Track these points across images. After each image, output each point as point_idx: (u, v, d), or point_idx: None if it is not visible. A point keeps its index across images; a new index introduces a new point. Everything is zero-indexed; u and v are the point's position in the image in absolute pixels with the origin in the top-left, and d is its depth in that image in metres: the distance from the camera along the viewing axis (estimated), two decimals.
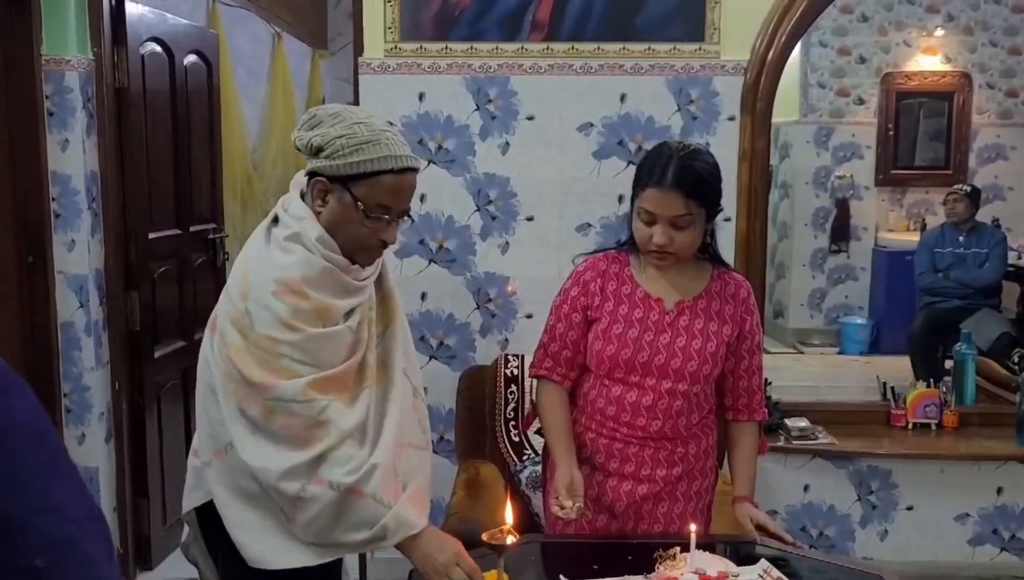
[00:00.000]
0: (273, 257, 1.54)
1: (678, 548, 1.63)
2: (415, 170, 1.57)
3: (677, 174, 1.71)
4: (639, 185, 1.77)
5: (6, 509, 0.72)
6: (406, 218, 1.64)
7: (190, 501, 1.67)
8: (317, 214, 1.56)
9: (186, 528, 1.73)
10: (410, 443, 1.69)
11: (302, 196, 1.60)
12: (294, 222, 1.56)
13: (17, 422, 0.74)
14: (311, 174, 1.56)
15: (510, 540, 1.56)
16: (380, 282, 1.71)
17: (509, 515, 1.60)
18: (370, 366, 1.62)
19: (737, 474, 1.96)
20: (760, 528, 1.88)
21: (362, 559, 3.10)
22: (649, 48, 2.89)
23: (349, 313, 1.58)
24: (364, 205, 1.53)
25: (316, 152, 1.53)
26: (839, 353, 5.76)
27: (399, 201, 1.57)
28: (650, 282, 1.86)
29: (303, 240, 1.53)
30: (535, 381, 1.99)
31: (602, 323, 1.86)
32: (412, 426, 1.72)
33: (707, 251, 1.88)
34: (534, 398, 2.01)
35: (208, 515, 1.63)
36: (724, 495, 2.04)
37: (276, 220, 1.59)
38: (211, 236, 3.65)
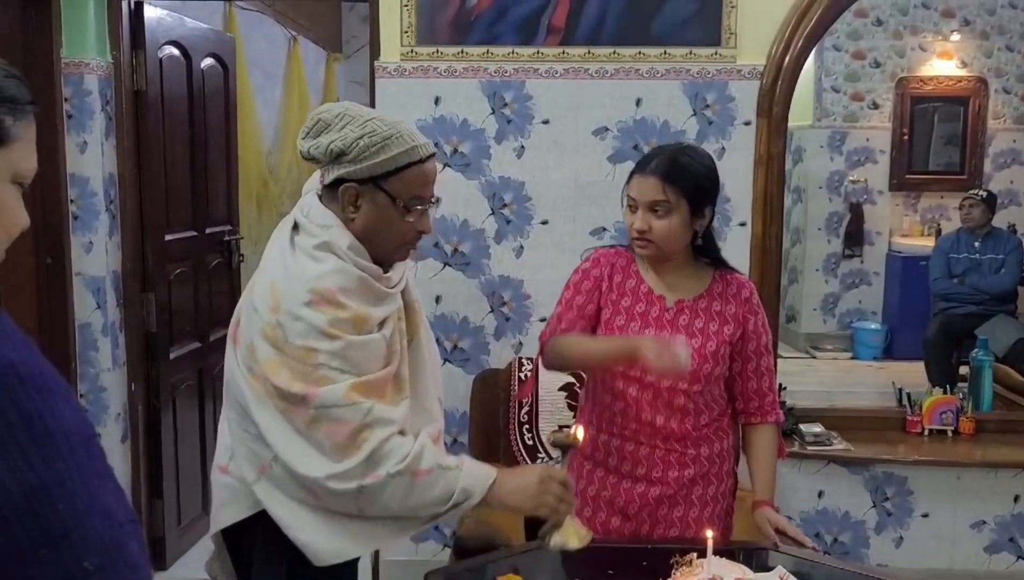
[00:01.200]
0: (303, 267, 1.50)
1: (695, 554, 1.63)
2: (435, 155, 1.58)
3: (659, 163, 1.78)
4: (629, 176, 1.84)
5: (60, 511, 0.72)
6: (435, 202, 1.61)
7: (223, 518, 1.61)
8: (350, 221, 1.53)
9: (212, 546, 1.69)
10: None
11: (320, 200, 1.57)
12: (321, 230, 1.52)
13: (67, 424, 0.74)
14: (337, 181, 1.53)
15: (580, 433, 1.60)
16: (404, 293, 1.69)
17: (580, 432, 1.65)
18: (404, 378, 1.59)
19: (756, 478, 1.95)
20: (780, 532, 1.88)
21: (375, 563, 3.11)
22: (665, 52, 2.89)
23: (382, 323, 1.56)
24: (402, 201, 1.52)
25: (337, 157, 1.51)
26: (852, 358, 5.73)
27: (430, 189, 1.57)
28: (653, 279, 1.88)
29: (334, 249, 1.51)
30: (546, 345, 1.92)
31: (606, 313, 1.88)
32: (439, 441, 1.70)
33: (706, 253, 1.89)
34: (544, 360, 1.95)
35: (233, 533, 1.61)
36: (743, 500, 2.03)
37: (296, 227, 1.56)
38: (227, 238, 3.67)
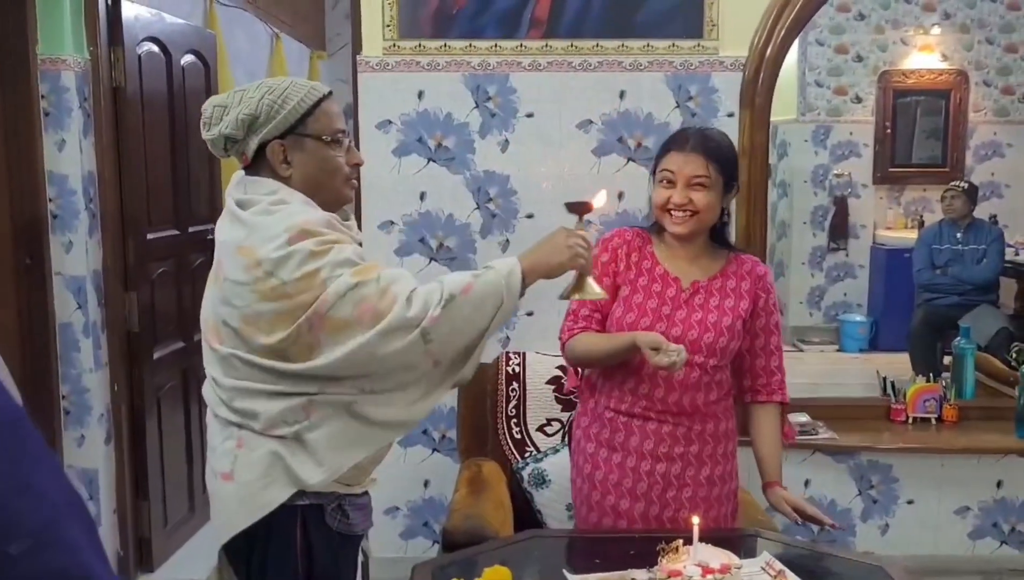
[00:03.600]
0: (264, 221, 1.53)
1: (680, 541, 1.63)
2: (332, 92, 1.65)
3: (699, 140, 1.85)
4: (662, 153, 1.88)
5: None
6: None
7: (235, 524, 1.58)
8: (287, 178, 1.59)
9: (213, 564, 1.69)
10: None
11: (246, 187, 1.60)
12: (268, 196, 1.56)
13: None
14: (260, 149, 1.57)
15: (597, 201, 1.67)
16: None
17: (601, 197, 1.70)
18: None
19: (763, 460, 1.97)
20: (798, 511, 1.89)
21: (364, 561, 3.09)
22: (648, 45, 2.89)
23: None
24: (327, 136, 1.59)
25: (250, 125, 1.55)
26: (839, 350, 5.77)
27: (343, 121, 1.65)
28: (669, 262, 1.92)
29: (288, 201, 1.55)
30: (566, 346, 1.97)
31: (624, 291, 1.91)
32: None
33: (721, 236, 1.95)
34: (567, 361, 2.03)
35: (238, 547, 1.60)
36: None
37: (241, 206, 1.57)
38: (210, 236, 3.61)
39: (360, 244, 1.71)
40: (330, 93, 1.63)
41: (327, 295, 1.48)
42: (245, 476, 1.56)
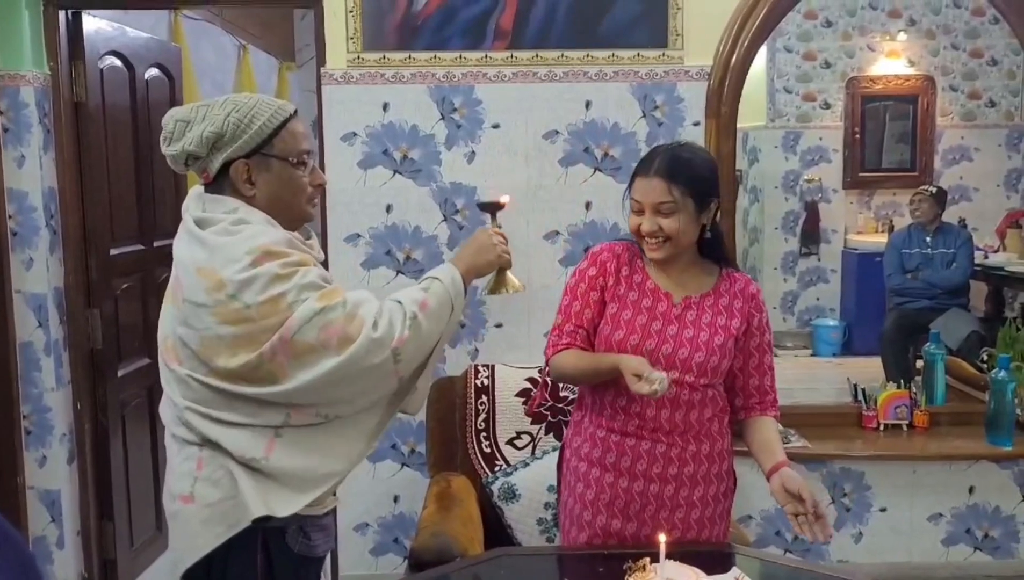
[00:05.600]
0: (225, 241, 1.49)
1: (648, 559, 1.61)
2: (296, 111, 1.63)
3: (662, 164, 1.79)
4: (631, 178, 1.85)
5: None
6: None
7: (200, 546, 1.53)
8: (251, 198, 1.56)
9: None
10: None
11: (205, 204, 1.57)
12: (228, 215, 1.53)
13: None
14: (224, 168, 1.54)
15: (504, 198, 1.88)
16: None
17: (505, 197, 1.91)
18: None
19: (761, 452, 1.85)
20: (796, 498, 1.70)
21: (333, 578, 3.05)
22: (613, 55, 2.89)
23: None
24: (292, 157, 1.58)
25: (214, 143, 1.52)
26: (812, 355, 5.79)
27: (308, 142, 1.64)
28: (660, 277, 1.88)
29: (249, 220, 1.53)
30: (550, 361, 1.91)
31: (612, 308, 1.86)
32: None
33: (712, 251, 1.90)
34: (547, 377, 1.98)
35: (201, 571, 1.55)
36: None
37: (200, 225, 1.54)
38: None
39: (324, 263, 1.69)
40: (295, 112, 1.61)
41: (292, 320, 1.46)
42: (207, 497, 1.52)
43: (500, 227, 1.82)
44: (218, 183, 1.57)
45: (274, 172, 1.56)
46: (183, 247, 1.56)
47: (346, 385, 1.51)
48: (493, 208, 1.86)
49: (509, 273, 1.82)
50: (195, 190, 1.62)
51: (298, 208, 1.61)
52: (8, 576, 0.71)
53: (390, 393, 1.61)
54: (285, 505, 1.53)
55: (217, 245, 1.49)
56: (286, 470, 1.53)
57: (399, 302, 1.57)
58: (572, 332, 1.88)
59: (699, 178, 1.80)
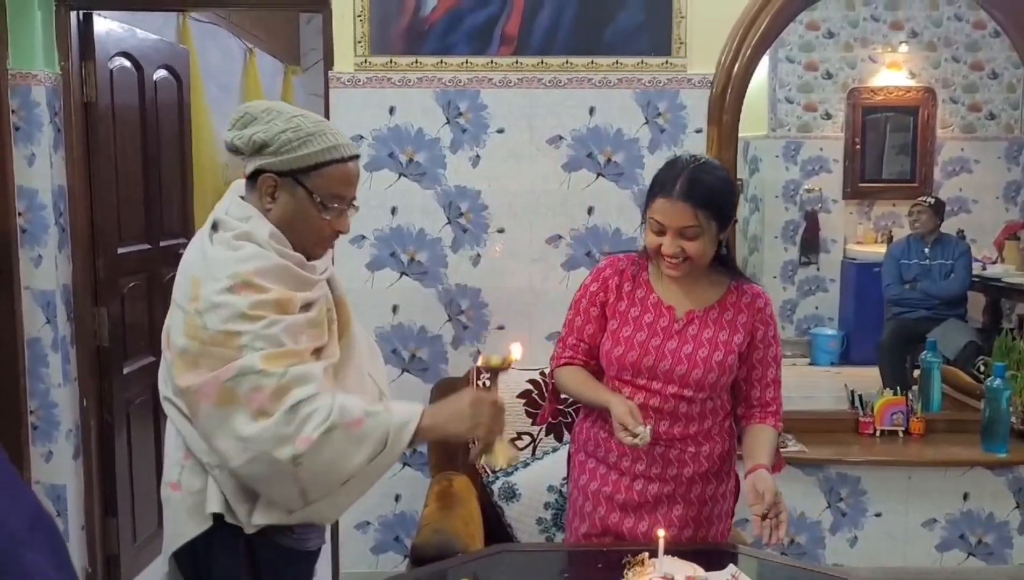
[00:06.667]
0: (220, 256, 1.51)
1: (647, 554, 1.64)
2: (358, 157, 1.60)
3: (686, 186, 1.75)
4: (650, 196, 1.81)
5: None
6: (355, 206, 1.63)
7: (183, 533, 1.57)
8: (267, 211, 1.55)
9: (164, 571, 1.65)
10: None
11: (241, 198, 1.59)
12: (240, 222, 1.54)
13: None
14: (256, 172, 1.54)
15: (515, 354, 1.59)
16: (333, 288, 1.70)
17: (516, 350, 1.62)
18: (332, 365, 1.59)
19: (746, 455, 1.86)
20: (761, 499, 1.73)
21: (334, 576, 3.08)
22: (617, 62, 2.93)
23: (307, 307, 1.56)
24: (319, 197, 1.54)
25: (260, 149, 1.52)
26: (810, 364, 5.82)
27: (350, 189, 1.59)
28: (664, 290, 1.89)
29: (253, 237, 1.52)
30: (554, 372, 2.01)
31: (613, 324, 1.89)
32: None
33: (722, 263, 1.88)
34: (552, 388, 2.05)
35: (187, 555, 1.59)
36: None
37: (215, 226, 1.56)
38: (181, 251, 3.60)
39: (329, 279, 1.67)
40: (354, 157, 1.57)
41: (233, 365, 1.43)
42: (192, 486, 1.56)
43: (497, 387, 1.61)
44: (251, 182, 1.58)
45: (296, 199, 1.54)
46: (191, 248, 1.59)
47: (248, 466, 1.46)
48: (497, 370, 1.61)
49: (500, 443, 1.61)
50: (238, 182, 1.64)
51: (303, 244, 1.57)
52: (45, 557, 0.74)
53: (295, 505, 1.51)
54: (243, 511, 1.53)
55: (212, 258, 1.51)
56: (247, 484, 1.52)
57: (332, 406, 1.47)
58: (574, 346, 1.95)
59: (724, 203, 1.80)
